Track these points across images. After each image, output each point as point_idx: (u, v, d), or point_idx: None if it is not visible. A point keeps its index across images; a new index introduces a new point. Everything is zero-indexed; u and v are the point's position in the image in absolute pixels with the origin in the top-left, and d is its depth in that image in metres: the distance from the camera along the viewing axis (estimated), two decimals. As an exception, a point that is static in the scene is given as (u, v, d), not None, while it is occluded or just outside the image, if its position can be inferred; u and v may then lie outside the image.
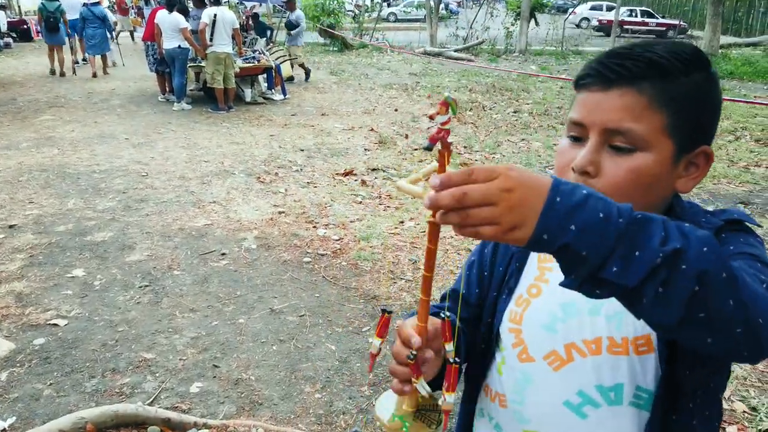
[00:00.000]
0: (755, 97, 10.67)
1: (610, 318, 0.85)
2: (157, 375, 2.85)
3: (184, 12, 9.34)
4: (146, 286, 3.72)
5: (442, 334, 0.79)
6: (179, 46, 8.98)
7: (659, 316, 0.59)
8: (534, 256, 0.96)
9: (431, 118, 0.63)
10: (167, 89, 9.85)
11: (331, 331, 3.23)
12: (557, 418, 0.88)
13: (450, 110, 0.62)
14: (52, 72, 12.33)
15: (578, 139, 0.83)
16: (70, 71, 12.56)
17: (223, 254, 4.18)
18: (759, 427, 2.45)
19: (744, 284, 0.61)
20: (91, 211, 4.91)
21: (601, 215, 0.56)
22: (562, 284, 0.61)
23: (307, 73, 12.29)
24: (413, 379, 0.78)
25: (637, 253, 0.56)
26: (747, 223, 0.81)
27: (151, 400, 2.65)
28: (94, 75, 12.22)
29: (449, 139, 0.63)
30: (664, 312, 0.58)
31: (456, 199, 0.56)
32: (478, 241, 1.08)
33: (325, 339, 3.16)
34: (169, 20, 8.85)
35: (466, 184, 0.56)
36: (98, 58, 12.41)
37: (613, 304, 0.84)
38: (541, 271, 0.94)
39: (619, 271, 0.56)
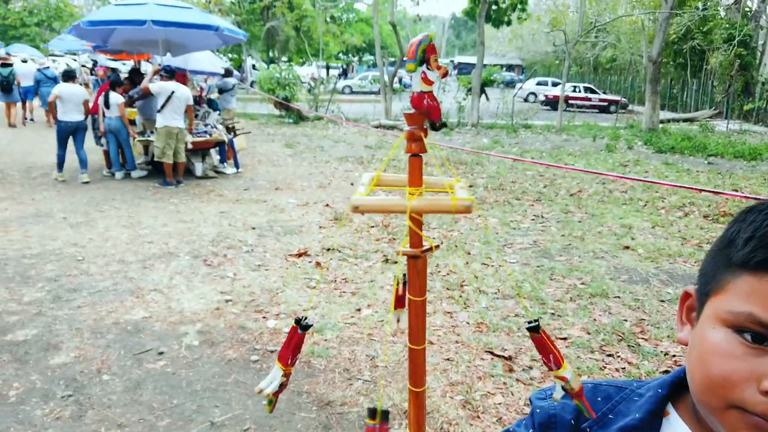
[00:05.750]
0: (698, 172, 11.10)
1: None
2: None
3: (119, 84, 9.37)
4: (69, 395, 3.29)
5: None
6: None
7: None
8: None
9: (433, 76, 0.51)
10: (109, 163, 9.55)
11: (279, 449, 2.88)
12: None
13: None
14: (10, 125, 14.87)
15: (761, 339, 0.60)
16: (20, 124, 15.27)
17: (161, 353, 3.79)
18: None
19: None
20: (15, 304, 4.45)
21: None
22: None
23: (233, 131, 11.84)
24: None
25: None
26: None
27: None
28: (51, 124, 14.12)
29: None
30: None
31: None
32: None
33: (272, 459, 2.80)
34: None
35: None
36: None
37: None
38: None
39: None
